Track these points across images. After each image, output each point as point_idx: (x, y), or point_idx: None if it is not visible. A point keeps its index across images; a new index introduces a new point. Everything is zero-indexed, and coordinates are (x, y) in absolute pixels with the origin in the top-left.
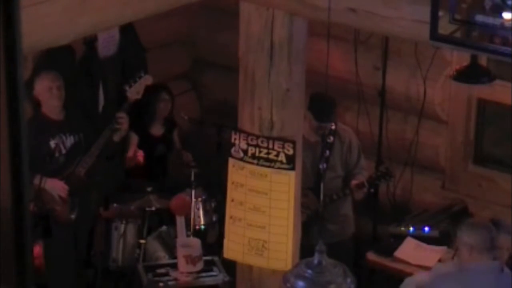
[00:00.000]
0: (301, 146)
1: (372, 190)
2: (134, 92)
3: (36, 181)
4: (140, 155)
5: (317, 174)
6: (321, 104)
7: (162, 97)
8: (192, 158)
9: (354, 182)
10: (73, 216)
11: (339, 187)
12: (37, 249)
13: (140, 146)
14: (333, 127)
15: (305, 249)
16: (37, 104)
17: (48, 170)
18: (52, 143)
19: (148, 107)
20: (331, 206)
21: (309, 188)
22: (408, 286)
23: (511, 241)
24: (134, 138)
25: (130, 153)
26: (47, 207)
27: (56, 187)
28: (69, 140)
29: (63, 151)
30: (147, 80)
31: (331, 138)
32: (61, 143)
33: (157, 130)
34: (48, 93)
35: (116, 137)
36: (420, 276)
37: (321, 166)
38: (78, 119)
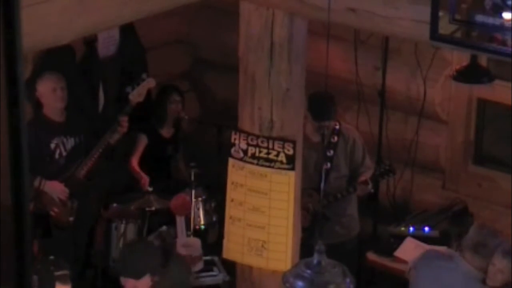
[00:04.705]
0: (304, 146)
1: (372, 190)
2: (137, 95)
3: (36, 183)
4: (146, 182)
5: (321, 174)
6: (319, 103)
7: (172, 98)
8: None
9: (359, 179)
10: (71, 219)
11: (344, 186)
12: (34, 249)
13: (149, 147)
14: (337, 126)
15: (310, 249)
16: (38, 105)
17: (48, 172)
18: (53, 145)
19: (158, 108)
20: (337, 206)
21: (313, 188)
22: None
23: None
24: (143, 140)
25: (133, 160)
26: (46, 209)
27: (56, 189)
28: (70, 142)
29: (64, 153)
30: (149, 83)
31: (335, 137)
32: (61, 145)
33: (167, 131)
34: (52, 95)
35: (112, 140)
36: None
37: (325, 166)
38: (79, 120)
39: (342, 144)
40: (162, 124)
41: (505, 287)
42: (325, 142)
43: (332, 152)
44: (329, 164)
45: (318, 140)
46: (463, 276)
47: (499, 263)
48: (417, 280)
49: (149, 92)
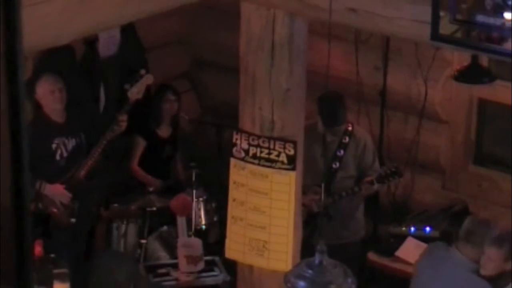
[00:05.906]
0: (315, 144)
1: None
2: (135, 92)
3: (36, 186)
4: (157, 184)
5: (328, 173)
6: (329, 108)
7: (167, 97)
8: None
9: (365, 180)
10: (73, 220)
11: (350, 187)
12: (38, 249)
13: (148, 148)
14: (350, 128)
15: (311, 249)
16: (39, 106)
17: (49, 173)
18: (54, 146)
19: (153, 108)
20: (344, 208)
21: (320, 185)
22: None
23: (496, 253)
24: (141, 143)
25: (134, 165)
26: (47, 211)
27: (57, 192)
28: (71, 143)
29: (65, 154)
30: (148, 79)
31: (346, 138)
32: (62, 146)
33: (164, 131)
34: (50, 96)
35: (109, 136)
36: None
37: (333, 165)
38: (79, 121)
39: (353, 145)
40: (159, 124)
41: (499, 277)
42: (324, 144)
43: (342, 152)
44: (337, 164)
45: (330, 139)
46: (455, 266)
47: (488, 251)
48: (417, 269)
49: (148, 90)
